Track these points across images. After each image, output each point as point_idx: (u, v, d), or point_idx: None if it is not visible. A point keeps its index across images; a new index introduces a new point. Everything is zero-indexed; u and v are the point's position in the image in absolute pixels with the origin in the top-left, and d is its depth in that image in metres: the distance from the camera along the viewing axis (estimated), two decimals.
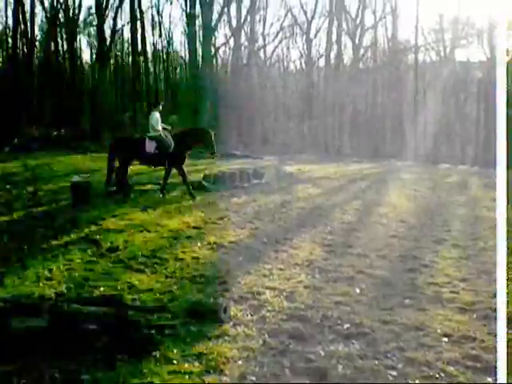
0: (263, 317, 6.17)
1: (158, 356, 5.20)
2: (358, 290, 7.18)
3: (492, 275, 7.33)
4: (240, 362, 5.09)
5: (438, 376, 4.91)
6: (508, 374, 4.90)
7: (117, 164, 14.24)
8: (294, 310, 6.39)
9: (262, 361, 5.13)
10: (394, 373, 4.94)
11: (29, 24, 34.89)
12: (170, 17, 63.07)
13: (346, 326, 5.93)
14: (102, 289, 7.10)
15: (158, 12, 44.61)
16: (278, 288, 7.17)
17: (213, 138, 14.47)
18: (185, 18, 40.51)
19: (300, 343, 5.50)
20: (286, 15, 45.13)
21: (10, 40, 35.08)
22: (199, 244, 9.52)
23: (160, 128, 14.24)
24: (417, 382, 4.81)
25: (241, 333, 5.71)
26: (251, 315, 6.21)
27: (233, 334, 5.67)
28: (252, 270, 7.98)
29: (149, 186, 15.80)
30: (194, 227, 10.85)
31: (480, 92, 28.45)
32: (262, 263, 8.39)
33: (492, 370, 4.98)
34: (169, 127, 14.74)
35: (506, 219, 4.15)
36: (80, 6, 38.28)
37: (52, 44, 37.88)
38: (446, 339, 5.68)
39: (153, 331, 5.56)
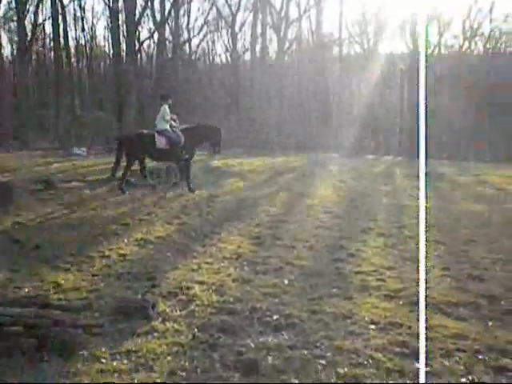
0: (192, 311, 6.12)
1: (85, 355, 5.08)
2: (286, 281, 7.22)
3: (417, 262, 7.50)
4: (169, 358, 5.04)
5: (366, 363, 4.97)
6: (434, 357, 5.03)
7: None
8: (223, 304, 6.37)
9: (191, 355, 5.08)
10: (323, 361, 4.97)
11: None
12: (92, 11, 62.13)
13: (275, 317, 5.94)
14: (26, 290, 6.90)
15: (80, 6, 43.82)
16: (207, 282, 7.14)
17: (221, 135, 14.70)
18: (108, 13, 39.92)
19: (230, 336, 5.48)
20: (210, 9, 45.03)
21: None
22: (126, 240, 9.40)
23: (170, 120, 14.28)
24: (345, 369, 4.85)
25: (170, 328, 5.64)
26: (180, 310, 6.15)
27: (162, 330, 5.60)
28: (180, 265, 7.93)
29: (74, 184, 15.52)
30: (122, 224, 10.71)
31: (403, 83, 29.08)
32: (191, 258, 8.35)
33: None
34: (177, 123, 14.58)
35: (424, 206, 4.23)
36: None
37: None
38: (373, 326, 5.76)
39: (80, 330, 5.44)
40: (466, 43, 43.38)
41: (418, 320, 4.29)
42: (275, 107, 38.45)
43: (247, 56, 45.31)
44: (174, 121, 14.50)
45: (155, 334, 5.52)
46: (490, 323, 5.91)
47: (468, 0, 53.69)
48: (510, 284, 7.28)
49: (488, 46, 43.20)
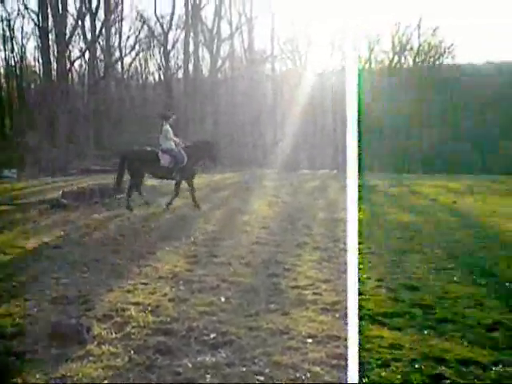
0: (128, 333, 6.01)
1: (19, 382, 4.94)
2: (223, 299, 7.18)
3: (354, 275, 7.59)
4: (106, 382, 4.93)
5: (304, 377, 4.98)
6: (371, 368, 5.08)
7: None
8: (160, 324, 6.29)
9: (128, 378, 4.99)
10: (262, 378, 4.96)
11: None
12: (22, 31, 60.81)
13: (213, 335, 5.90)
14: None
15: (9, 26, 42.95)
16: (143, 303, 7.04)
17: (219, 149, 15.26)
18: (37, 32, 39.27)
19: (167, 357, 5.41)
20: (142, 27, 44.87)
21: None
22: (59, 264, 9.19)
23: (174, 138, 14.55)
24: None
25: (105, 351, 5.53)
26: (116, 333, 6.03)
27: (97, 354, 5.48)
28: (115, 287, 7.79)
29: (3, 207, 15.15)
30: (55, 247, 10.48)
31: (336, 99, 29.62)
32: (126, 279, 8.21)
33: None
34: (179, 140, 15.00)
35: (357, 220, 4.28)
36: None
37: None
38: (310, 340, 5.78)
39: (12, 358, 5.28)
40: (396, 58, 44.48)
41: (359, 332, 4.34)
42: (209, 124, 38.49)
43: (180, 74, 45.29)
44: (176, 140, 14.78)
45: (91, 358, 5.40)
46: (425, 332, 6.02)
47: (397, 15, 55.09)
48: (444, 292, 7.45)
49: (417, 59, 44.41)
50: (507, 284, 7.89)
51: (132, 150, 16.06)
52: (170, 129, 14.68)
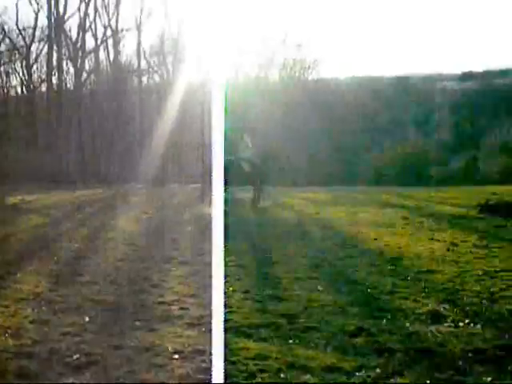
0: None
1: None
2: (87, 319, 7.00)
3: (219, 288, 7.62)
4: None
5: None
6: (237, 381, 5.12)
7: None
8: (21, 348, 6.03)
9: None
10: None
11: None
12: None
13: (76, 356, 5.73)
14: None
15: None
16: (2, 326, 6.73)
17: None
18: None
19: (28, 381, 5.20)
20: (3, 39, 43.07)
21: None
22: None
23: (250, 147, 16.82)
24: None
25: None
26: None
27: None
28: None
29: None
30: None
31: (205, 112, 29.66)
32: None
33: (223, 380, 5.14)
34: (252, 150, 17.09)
35: (222, 233, 4.32)
36: None
37: None
38: (177, 356, 5.75)
39: None
40: (263, 72, 45.31)
41: (225, 345, 4.37)
42: (75, 138, 37.48)
43: (44, 87, 43.84)
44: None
45: None
46: (291, 341, 6.14)
47: (264, 29, 55.95)
48: (309, 301, 7.64)
49: (283, 74, 45.43)
50: (369, 290, 8.21)
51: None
52: (247, 139, 17.52)
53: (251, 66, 44.71)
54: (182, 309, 7.35)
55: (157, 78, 44.14)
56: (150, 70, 43.79)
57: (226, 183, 5.27)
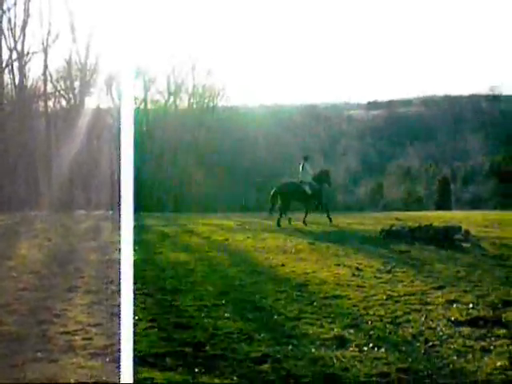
0: None
1: None
2: None
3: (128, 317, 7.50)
4: None
5: None
6: None
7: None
8: None
9: None
10: None
11: None
12: None
13: None
14: None
15: None
16: None
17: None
18: None
19: None
20: None
21: None
22: None
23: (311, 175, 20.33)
24: None
25: None
26: None
27: None
28: None
29: None
30: None
31: (113, 137, 29.32)
32: None
33: None
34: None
35: (131, 260, 4.27)
36: None
37: None
38: None
39: None
40: (172, 98, 45.22)
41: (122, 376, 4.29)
42: None
43: None
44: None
45: None
46: (196, 370, 6.10)
47: (173, 55, 56.04)
48: (215, 329, 7.62)
49: (192, 100, 45.50)
50: (275, 317, 8.27)
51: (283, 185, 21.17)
52: (309, 167, 20.47)
53: (160, 93, 44.60)
54: (85, 338, 7.18)
55: (64, 102, 43.46)
56: (57, 93, 43.08)
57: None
